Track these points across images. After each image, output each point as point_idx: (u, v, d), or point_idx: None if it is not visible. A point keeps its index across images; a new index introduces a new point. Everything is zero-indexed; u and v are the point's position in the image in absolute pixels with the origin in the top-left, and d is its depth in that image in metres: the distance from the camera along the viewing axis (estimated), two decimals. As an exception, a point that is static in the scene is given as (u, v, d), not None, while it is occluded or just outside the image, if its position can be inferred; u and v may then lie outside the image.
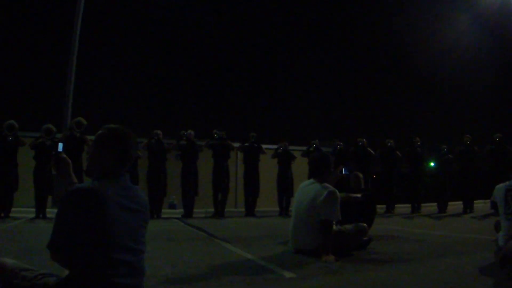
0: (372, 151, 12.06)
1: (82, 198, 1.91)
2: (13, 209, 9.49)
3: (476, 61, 32.35)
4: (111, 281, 1.88)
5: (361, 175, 6.27)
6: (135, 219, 2.06)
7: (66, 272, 1.97)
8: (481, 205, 12.30)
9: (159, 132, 10.63)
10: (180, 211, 11.27)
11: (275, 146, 12.19)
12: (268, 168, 12.48)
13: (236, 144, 11.84)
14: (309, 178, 4.82)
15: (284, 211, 11.41)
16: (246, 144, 11.57)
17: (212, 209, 10.96)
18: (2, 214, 9.16)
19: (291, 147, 12.06)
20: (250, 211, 11.21)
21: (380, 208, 11.13)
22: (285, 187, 11.55)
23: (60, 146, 2.61)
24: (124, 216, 1.99)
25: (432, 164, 15.27)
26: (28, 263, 2.19)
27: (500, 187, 3.77)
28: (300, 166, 12.56)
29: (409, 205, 12.42)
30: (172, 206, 13.51)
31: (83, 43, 12.37)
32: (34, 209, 9.46)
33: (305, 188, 4.58)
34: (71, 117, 11.16)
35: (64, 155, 2.54)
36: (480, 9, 20.16)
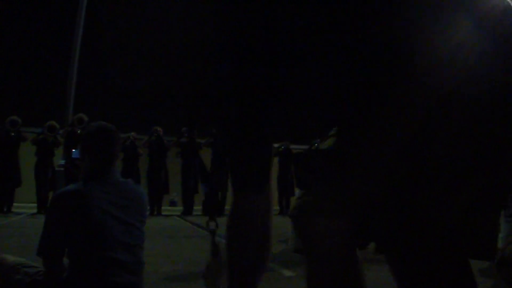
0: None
1: (66, 202, 1.92)
2: (14, 204, 9.53)
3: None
4: (109, 279, 1.87)
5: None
6: (129, 214, 2.03)
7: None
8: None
9: (159, 129, 10.63)
10: (180, 208, 11.28)
11: (276, 145, 12.15)
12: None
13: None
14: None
15: (284, 210, 11.40)
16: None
17: (212, 207, 10.94)
18: (5, 209, 9.20)
19: (292, 146, 12.03)
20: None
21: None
22: (285, 186, 11.53)
23: (76, 152, 2.59)
24: (115, 213, 1.96)
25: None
26: (29, 259, 2.20)
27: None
28: (301, 165, 12.53)
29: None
30: (172, 203, 13.52)
31: (86, 39, 12.39)
32: (35, 204, 9.49)
33: (306, 187, 4.58)
34: (73, 113, 11.15)
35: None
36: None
